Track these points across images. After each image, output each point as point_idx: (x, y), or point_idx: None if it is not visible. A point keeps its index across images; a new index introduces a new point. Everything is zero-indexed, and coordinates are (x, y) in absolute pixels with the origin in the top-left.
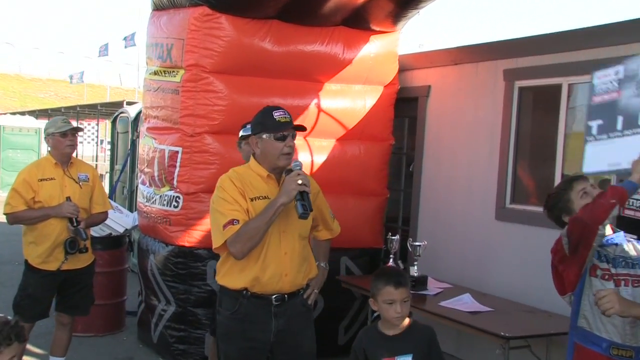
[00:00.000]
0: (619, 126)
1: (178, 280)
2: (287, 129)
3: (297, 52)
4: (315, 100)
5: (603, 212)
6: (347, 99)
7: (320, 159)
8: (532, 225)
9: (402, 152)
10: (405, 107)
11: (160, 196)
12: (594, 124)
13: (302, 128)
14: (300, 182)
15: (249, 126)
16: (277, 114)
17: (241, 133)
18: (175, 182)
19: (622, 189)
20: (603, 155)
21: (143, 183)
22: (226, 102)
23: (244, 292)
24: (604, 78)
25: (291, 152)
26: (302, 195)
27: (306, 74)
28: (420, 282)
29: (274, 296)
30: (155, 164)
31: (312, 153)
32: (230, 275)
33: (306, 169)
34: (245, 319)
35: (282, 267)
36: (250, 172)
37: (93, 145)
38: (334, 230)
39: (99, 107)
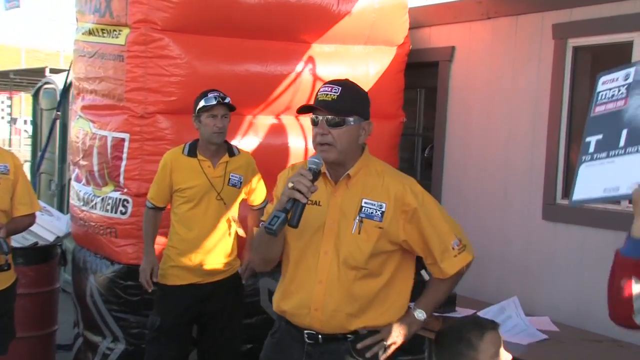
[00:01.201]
0: (622, 142)
1: (128, 310)
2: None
3: (279, 3)
4: (306, 67)
5: (621, 308)
6: (344, 64)
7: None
8: (593, 226)
9: (416, 133)
10: (420, 74)
11: (103, 198)
12: (592, 140)
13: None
14: (291, 184)
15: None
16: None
17: (203, 103)
18: (121, 180)
19: (628, 261)
20: (599, 178)
21: (78, 180)
22: (186, 71)
23: (283, 315)
24: (609, 84)
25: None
26: (294, 205)
27: (291, 32)
28: (447, 302)
29: (305, 332)
30: (94, 155)
31: (305, 134)
32: (277, 291)
33: (299, 155)
34: (278, 345)
35: (312, 298)
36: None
37: (3, 125)
38: (443, 269)
39: (11, 76)
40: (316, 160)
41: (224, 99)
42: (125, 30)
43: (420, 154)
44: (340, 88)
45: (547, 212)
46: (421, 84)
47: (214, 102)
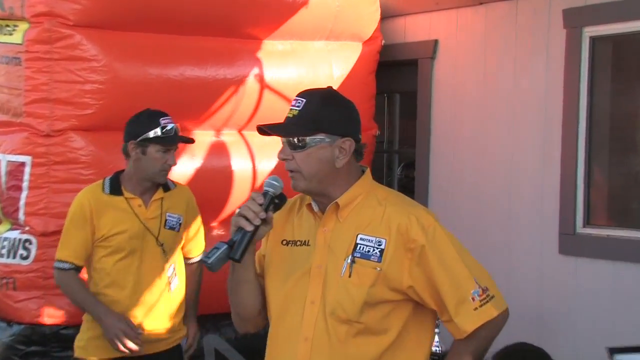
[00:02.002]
0: None
1: None
2: None
3: None
4: (253, 70)
5: None
6: (303, 65)
7: (266, 164)
8: (628, 260)
9: (390, 149)
10: (395, 76)
11: None
12: None
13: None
14: (237, 212)
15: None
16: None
17: (158, 133)
18: (21, 216)
19: None
20: None
21: None
22: (105, 77)
23: None
24: None
25: None
26: (241, 235)
27: (235, 27)
28: None
29: None
30: None
31: (252, 154)
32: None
33: (246, 180)
34: None
35: (296, 358)
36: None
37: None
38: (458, 326)
39: None
40: (274, 183)
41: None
42: (23, 26)
43: (395, 175)
44: (304, 101)
45: (565, 245)
46: (397, 87)
47: (173, 134)
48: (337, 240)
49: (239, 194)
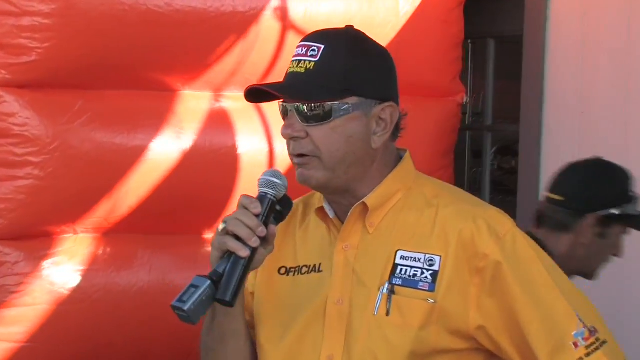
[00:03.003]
0: None
1: None
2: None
3: None
4: (270, 2)
5: None
6: None
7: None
8: None
9: (478, 125)
10: (487, 12)
11: None
12: None
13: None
14: (222, 226)
15: None
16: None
17: None
18: None
19: None
20: None
21: None
22: (53, 5)
23: None
24: None
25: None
26: (231, 265)
27: None
28: None
29: None
30: None
31: (269, 129)
32: None
33: (259, 168)
34: None
35: None
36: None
37: None
38: None
39: None
40: (273, 180)
41: None
42: None
43: (487, 164)
44: (321, 47)
45: None
46: (490, 29)
47: None
48: (365, 261)
49: (248, 189)
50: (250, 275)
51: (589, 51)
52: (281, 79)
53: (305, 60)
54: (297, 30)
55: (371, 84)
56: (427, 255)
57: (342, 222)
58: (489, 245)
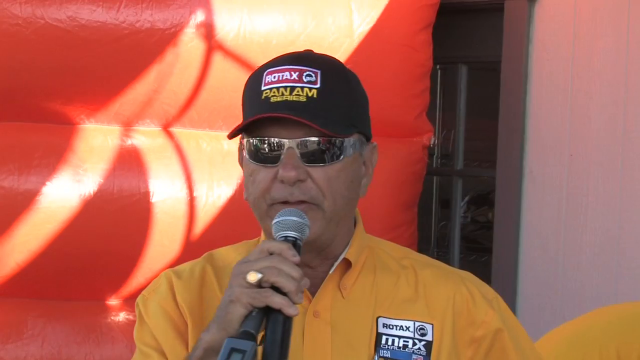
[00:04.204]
0: None
1: None
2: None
3: None
4: (195, 15)
5: None
6: (297, 8)
7: (216, 191)
8: None
9: (447, 168)
10: (459, 33)
11: None
12: None
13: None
14: (253, 276)
15: None
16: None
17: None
18: None
19: None
20: None
21: None
22: None
23: None
24: None
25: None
26: (270, 324)
27: None
28: None
29: None
30: None
31: (188, 171)
32: None
33: (176, 220)
34: None
35: None
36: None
37: None
38: None
39: None
40: (298, 220)
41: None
42: None
43: (458, 216)
44: (319, 72)
45: None
46: (462, 53)
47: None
48: (344, 331)
49: (164, 246)
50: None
51: (580, 81)
52: (204, 112)
53: (303, 87)
54: (226, 52)
55: (367, 119)
56: (417, 324)
57: (314, 287)
58: (488, 312)
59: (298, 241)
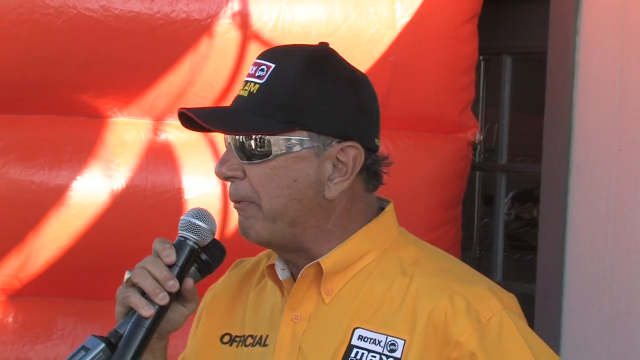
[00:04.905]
0: None
1: None
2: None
3: None
4: (231, 4)
5: None
6: (337, 1)
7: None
8: None
9: (489, 164)
10: (502, 24)
11: None
12: None
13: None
14: (125, 277)
15: None
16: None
17: None
18: None
19: None
20: None
21: None
22: None
23: None
24: None
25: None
26: (132, 325)
27: None
28: None
29: None
30: None
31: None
32: None
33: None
34: None
35: None
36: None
37: None
38: None
39: None
40: (194, 222)
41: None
42: None
43: (501, 213)
44: (272, 66)
45: None
46: (506, 44)
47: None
48: (315, 338)
49: None
50: (189, 340)
51: (629, 72)
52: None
53: (251, 82)
54: (264, 43)
55: (327, 117)
56: (389, 338)
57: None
58: (465, 330)
59: (189, 241)
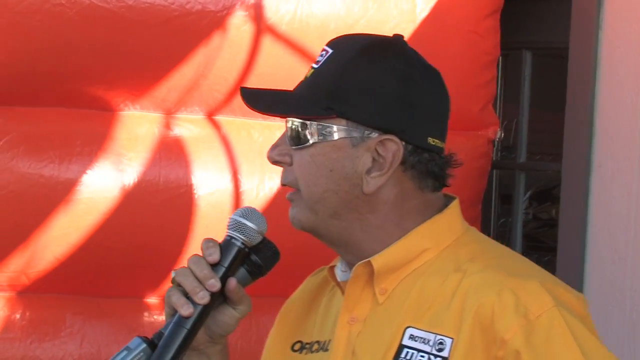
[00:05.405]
0: None
1: None
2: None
3: None
4: None
5: None
6: None
7: (267, 183)
8: None
9: (508, 162)
10: (522, 18)
11: None
12: None
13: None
14: (172, 276)
15: None
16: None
17: None
18: None
19: None
20: None
21: None
22: None
23: None
24: None
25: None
26: (174, 326)
27: None
28: None
29: None
30: None
31: (235, 162)
32: None
33: (222, 212)
34: None
35: None
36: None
37: None
38: None
39: None
40: (242, 221)
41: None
42: None
43: (519, 212)
44: (330, 52)
45: None
46: (526, 39)
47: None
48: (368, 340)
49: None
50: (266, 348)
51: None
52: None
53: (311, 67)
54: (280, 37)
55: (368, 108)
56: (438, 337)
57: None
58: (511, 327)
59: (236, 241)
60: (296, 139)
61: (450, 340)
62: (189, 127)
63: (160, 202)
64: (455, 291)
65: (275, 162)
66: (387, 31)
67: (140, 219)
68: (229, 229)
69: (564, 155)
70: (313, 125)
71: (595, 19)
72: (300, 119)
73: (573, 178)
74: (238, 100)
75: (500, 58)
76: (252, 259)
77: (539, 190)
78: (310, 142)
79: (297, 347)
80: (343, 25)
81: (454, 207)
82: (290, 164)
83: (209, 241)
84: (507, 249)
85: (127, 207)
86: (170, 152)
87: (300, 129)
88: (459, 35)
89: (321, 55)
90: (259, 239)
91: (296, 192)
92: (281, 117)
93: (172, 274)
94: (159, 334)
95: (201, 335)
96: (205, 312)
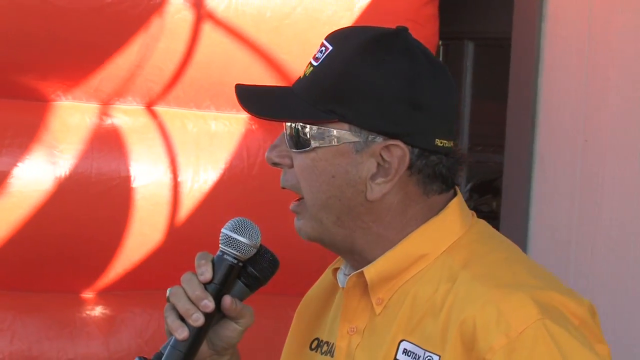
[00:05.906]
0: None
1: None
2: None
3: None
4: None
5: None
6: None
7: (203, 175)
8: None
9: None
10: (463, 6)
11: None
12: None
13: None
14: (168, 294)
15: None
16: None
17: None
18: None
19: None
20: None
21: None
22: None
23: None
24: None
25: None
26: (171, 347)
27: None
28: None
29: None
30: None
31: (173, 154)
32: None
33: (159, 207)
34: None
35: None
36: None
37: None
38: None
39: None
40: (232, 236)
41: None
42: None
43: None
44: (330, 48)
45: None
46: (467, 29)
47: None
48: (366, 353)
49: (145, 235)
50: (285, 347)
51: (596, 60)
52: (191, 90)
53: (309, 63)
54: (217, 23)
55: (372, 111)
56: (427, 354)
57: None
58: (491, 347)
59: (227, 257)
60: (296, 142)
61: (437, 357)
62: (123, 117)
63: (93, 195)
64: (444, 303)
65: (273, 164)
66: (324, 19)
67: (74, 212)
68: (221, 244)
69: (507, 147)
70: (314, 129)
71: (539, 9)
72: (298, 122)
73: (515, 170)
74: (173, 90)
75: (442, 48)
76: (248, 271)
77: (479, 182)
78: (312, 146)
79: (314, 344)
80: (279, 13)
81: (453, 206)
82: (291, 166)
83: (201, 257)
84: (511, 249)
85: (60, 200)
86: (104, 143)
87: (300, 132)
88: (397, 23)
89: (320, 51)
90: (253, 252)
91: (300, 204)
92: (268, 119)
93: (167, 292)
94: (159, 354)
95: (205, 349)
96: (202, 331)
